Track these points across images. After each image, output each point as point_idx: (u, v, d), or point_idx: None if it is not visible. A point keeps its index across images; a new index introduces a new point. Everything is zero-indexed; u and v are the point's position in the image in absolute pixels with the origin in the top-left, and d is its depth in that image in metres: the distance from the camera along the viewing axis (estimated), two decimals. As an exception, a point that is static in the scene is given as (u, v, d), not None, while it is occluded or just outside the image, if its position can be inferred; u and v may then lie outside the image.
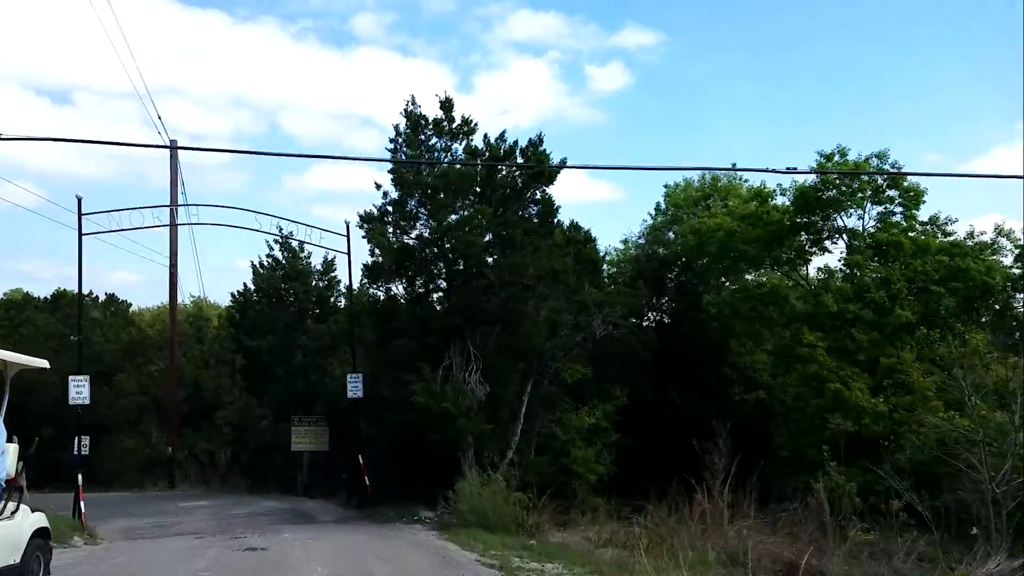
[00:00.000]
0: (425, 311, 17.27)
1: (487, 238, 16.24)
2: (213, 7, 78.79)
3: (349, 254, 19.11)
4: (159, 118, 35.38)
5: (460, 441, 16.09)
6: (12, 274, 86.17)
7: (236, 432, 28.69)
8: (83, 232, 16.39)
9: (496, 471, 16.10)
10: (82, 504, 15.16)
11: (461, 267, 16.76)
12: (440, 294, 17.60)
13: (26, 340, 31.39)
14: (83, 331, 32.59)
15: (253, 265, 22.41)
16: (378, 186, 17.19)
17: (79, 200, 16.36)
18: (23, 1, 63.77)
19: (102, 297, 38.32)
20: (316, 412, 22.21)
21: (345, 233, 18.97)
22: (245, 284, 22.67)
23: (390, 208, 17.00)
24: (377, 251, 16.67)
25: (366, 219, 17.10)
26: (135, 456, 28.99)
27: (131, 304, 38.42)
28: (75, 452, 29.97)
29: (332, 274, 22.99)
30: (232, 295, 22.54)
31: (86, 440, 30.01)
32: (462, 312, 16.22)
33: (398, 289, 17.79)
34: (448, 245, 16.47)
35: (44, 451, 29.84)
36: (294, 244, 22.86)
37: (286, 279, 22.08)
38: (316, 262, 23.13)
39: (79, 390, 16.04)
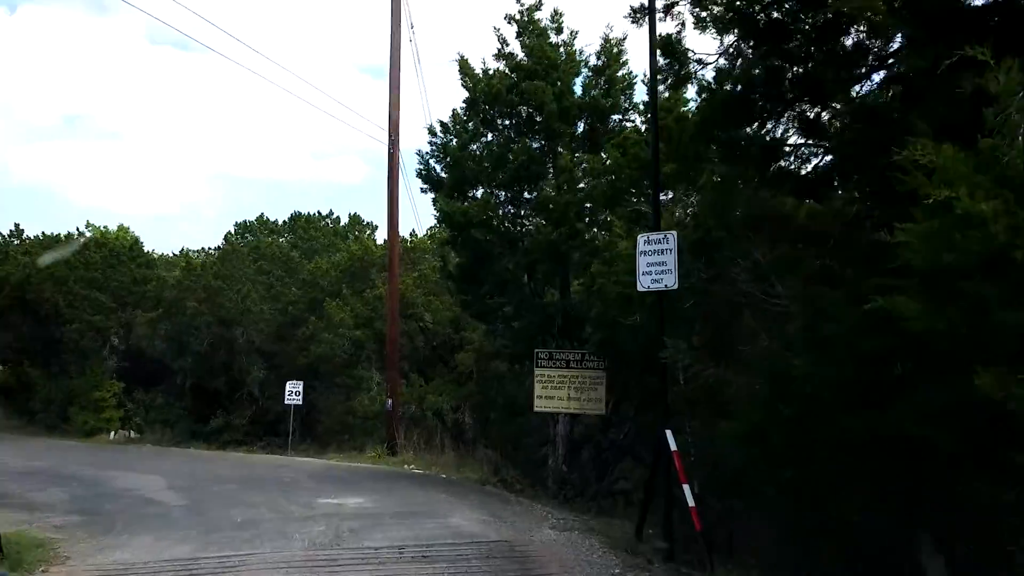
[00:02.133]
0: None
1: None
2: None
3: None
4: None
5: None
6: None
7: (478, 380, 19.12)
8: None
9: None
10: None
11: None
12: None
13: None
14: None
15: (462, 63, 11.67)
16: None
17: None
18: None
19: (344, 219, 32.15)
20: (581, 338, 11.24)
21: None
22: (454, 110, 12.36)
23: None
24: None
25: None
26: (352, 409, 21.06)
27: (376, 226, 31.60)
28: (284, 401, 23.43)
29: (616, 67, 11.22)
30: (428, 129, 12.35)
31: (298, 386, 23.11)
32: None
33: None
34: None
35: (250, 400, 23.53)
36: (543, 19, 11.61)
37: (529, 77, 10.90)
38: (586, 44, 11.60)
39: None
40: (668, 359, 7.27)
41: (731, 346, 8.18)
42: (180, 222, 72.59)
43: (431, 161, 12.34)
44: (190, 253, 32.40)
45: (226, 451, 21.56)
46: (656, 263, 7.74)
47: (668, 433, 7.59)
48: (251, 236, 29.55)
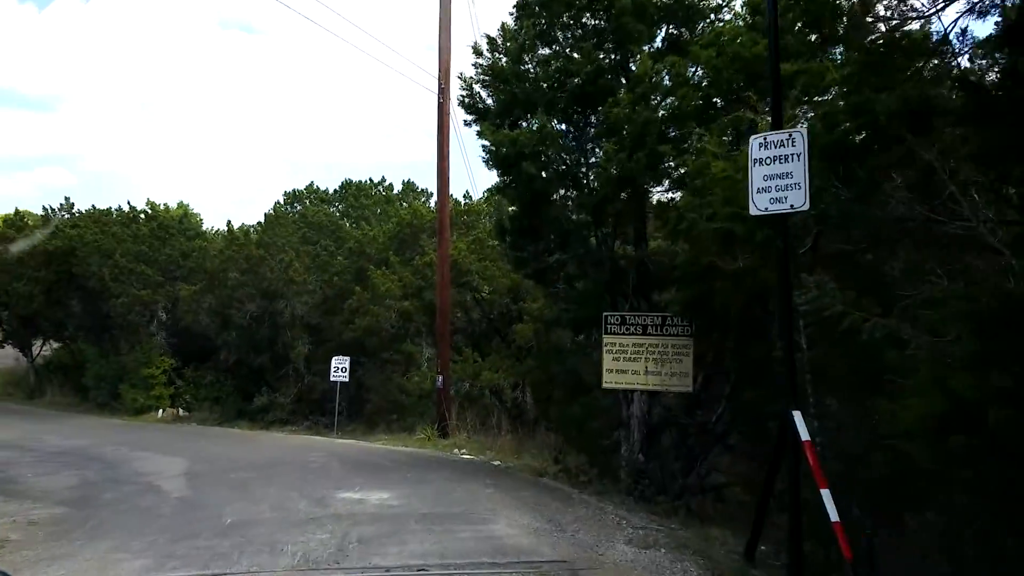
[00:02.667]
0: None
1: None
2: None
3: None
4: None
5: None
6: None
7: (537, 354, 17.01)
8: None
9: None
10: None
11: None
12: None
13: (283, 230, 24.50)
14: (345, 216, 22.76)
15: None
16: None
17: None
18: None
19: (397, 185, 30.39)
20: (658, 303, 9.01)
21: None
22: (503, 23, 10.20)
23: None
24: None
25: None
26: (402, 387, 19.28)
27: (431, 194, 29.69)
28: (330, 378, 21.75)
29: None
30: (473, 48, 10.18)
31: (344, 362, 21.25)
32: None
33: None
34: None
35: (296, 376, 21.50)
36: None
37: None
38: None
39: None
40: (808, 305, 4.97)
41: (878, 292, 5.86)
42: (253, 206, 72.83)
43: (476, 87, 10.23)
44: (244, 226, 31.14)
45: (269, 431, 20.23)
46: (777, 175, 5.45)
47: (797, 415, 5.34)
48: (300, 205, 28.16)
